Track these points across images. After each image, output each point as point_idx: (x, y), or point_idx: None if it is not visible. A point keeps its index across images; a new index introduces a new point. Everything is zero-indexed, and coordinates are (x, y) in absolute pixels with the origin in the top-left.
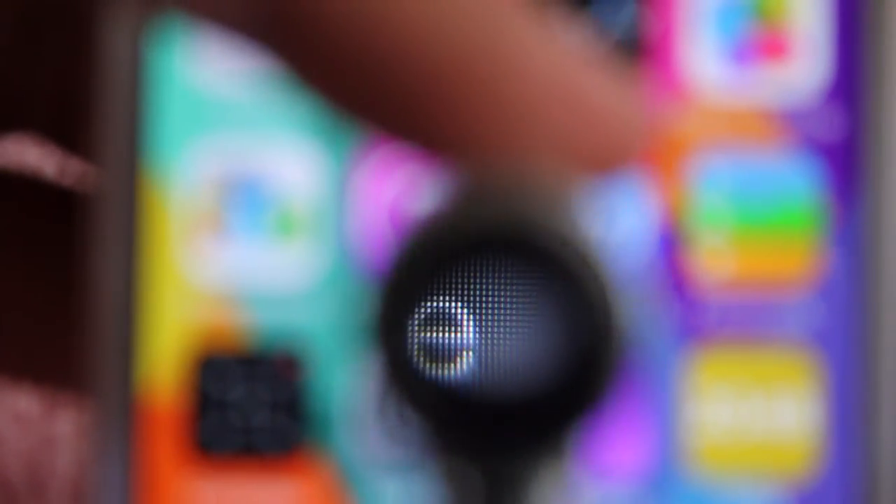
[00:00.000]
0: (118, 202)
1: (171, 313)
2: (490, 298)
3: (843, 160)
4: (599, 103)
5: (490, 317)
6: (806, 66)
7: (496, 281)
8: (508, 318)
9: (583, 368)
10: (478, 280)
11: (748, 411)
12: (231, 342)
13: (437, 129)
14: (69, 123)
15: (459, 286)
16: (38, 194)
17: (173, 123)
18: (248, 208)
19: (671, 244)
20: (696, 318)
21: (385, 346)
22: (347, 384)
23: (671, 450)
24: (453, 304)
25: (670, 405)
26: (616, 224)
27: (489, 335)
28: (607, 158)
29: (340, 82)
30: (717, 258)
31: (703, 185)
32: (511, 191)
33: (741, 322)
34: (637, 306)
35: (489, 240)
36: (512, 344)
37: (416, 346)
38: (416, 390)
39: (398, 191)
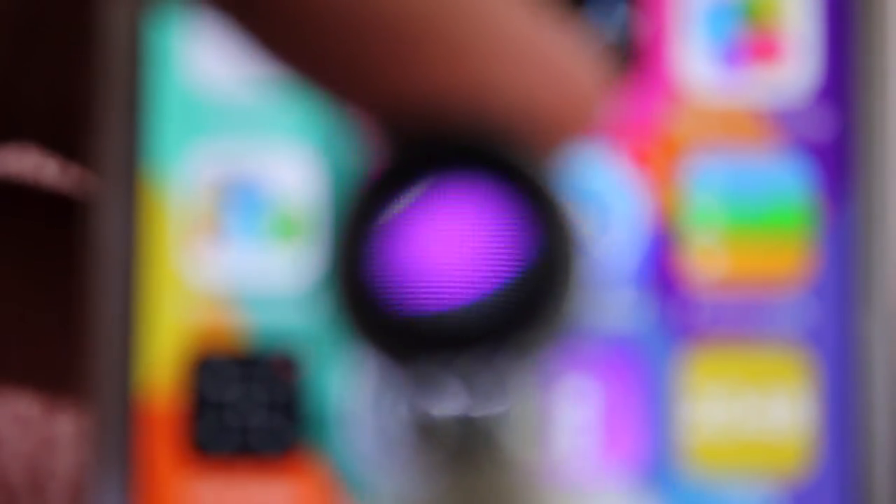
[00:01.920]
0: (116, 205)
1: (169, 315)
2: (445, 215)
3: (834, 160)
4: (561, 64)
5: (445, 235)
6: (797, 67)
7: (451, 197)
8: (462, 235)
9: (537, 286)
10: (432, 197)
11: (742, 410)
12: (228, 343)
13: (396, 83)
14: (68, 131)
15: (415, 205)
16: (38, 203)
17: (171, 127)
18: (246, 211)
19: (664, 244)
20: (689, 317)
21: (342, 267)
22: (344, 385)
23: (665, 448)
24: (409, 224)
25: (664, 404)
26: (608, 224)
27: (444, 256)
28: (566, 120)
29: (295, 39)
30: (709, 258)
31: (695, 185)
32: (469, 119)
33: (734, 321)
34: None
35: (446, 150)
36: (466, 262)
37: (371, 270)
38: (372, 317)
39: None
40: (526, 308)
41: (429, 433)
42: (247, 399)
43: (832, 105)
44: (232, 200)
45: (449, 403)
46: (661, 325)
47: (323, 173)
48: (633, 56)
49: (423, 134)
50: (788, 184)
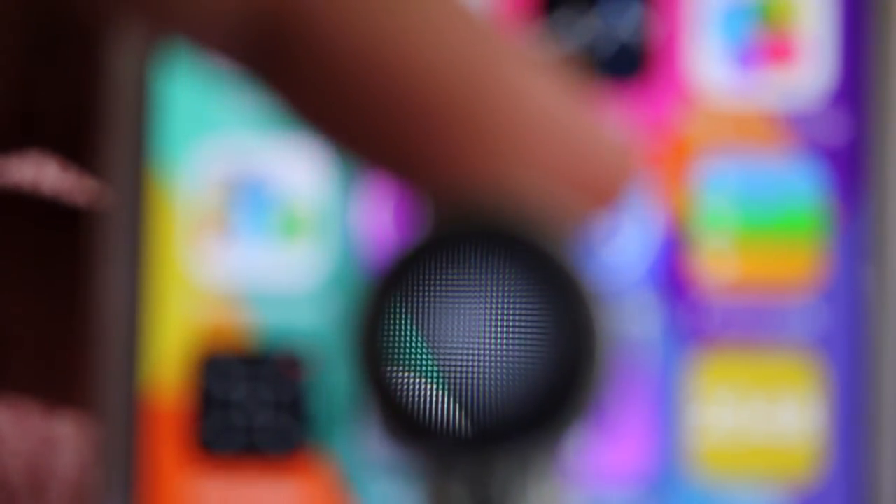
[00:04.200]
0: (124, 201)
1: (176, 313)
2: (469, 307)
3: (848, 164)
4: (591, 137)
5: (468, 328)
6: (811, 70)
7: (474, 287)
8: (485, 330)
9: (562, 382)
10: (455, 287)
11: (751, 415)
12: (235, 342)
13: (430, 160)
14: (82, 139)
15: (437, 293)
16: (49, 210)
17: (179, 124)
18: (253, 209)
19: (675, 247)
20: (700, 320)
21: (362, 350)
22: (350, 385)
23: (674, 453)
24: (432, 314)
25: (673, 408)
26: (621, 227)
27: (468, 348)
28: (598, 190)
29: (330, 113)
30: (721, 261)
31: (707, 188)
32: (497, 203)
33: (745, 325)
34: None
35: (468, 234)
36: (490, 358)
37: (391, 357)
38: (390, 401)
39: (402, 192)
40: (551, 402)
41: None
42: (253, 398)
43: (846, 109)
44: (240, 198)
45: (464, 483)
46: (671, 329)
47: (331, 171)
48: (647, 57)
49: (449, 214)
50: (801, 188)
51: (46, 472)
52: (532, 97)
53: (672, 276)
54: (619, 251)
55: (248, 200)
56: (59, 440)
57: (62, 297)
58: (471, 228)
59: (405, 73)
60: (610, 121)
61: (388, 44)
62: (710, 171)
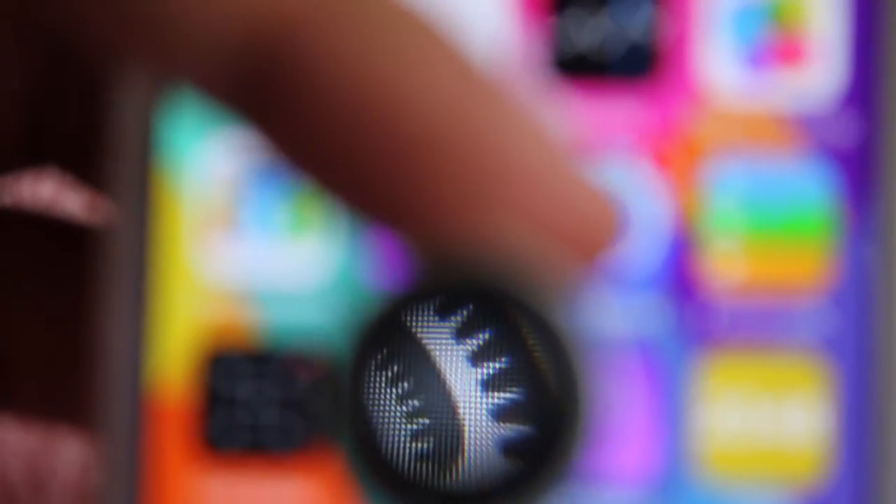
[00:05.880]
0: (131, 198)
1: (182, 310)
2: (450, 360)
3: (858, 166)
4: (578, 191)
5: (449, 382)
6: (821, 72)
7: (456, 341)
8: (467, 384)
9: (543, 441)
10: (437, 340)
11: (758, 417)
12: (241, 339)
13: (417, 208)
14: (85, 147)
15: (419, 346)
16: (53, 224)
17: (186, 121)
18: (260, 206)
19: (684, 248)
20: (708, 322)
21: (344, 402)
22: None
23: (681, 454)
24: (414, 366)
25: (680, 409)
26: (628, 226)
27: (449, 402)
28: (583, 245)
29: (317, 157)
30: (729, 263)
31: (716, 189)
32: (482, 255)
33: (752, 327)
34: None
35: (452, 287)
36: (472, 412)
37: (372, 410)
38: (371, 459)
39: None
40: (531, 460)
41: None
42: (259, 395)
43: (856, 110)
44: (247, 195)
45: None
46: (678, 330)
47: None
48: (657, 57)
49: (434, 265)
50: (810, 189)
51: (47, 471)
52: (521, 148)
53: (680, 277)
54: (628, 252)
55: (256, 197)
56: (60, 440)
57: (68, 308)
58: (454, 281)
59: (395, 118)
60: (596, 178)
61: (380, 88)
62: (720, 172)
